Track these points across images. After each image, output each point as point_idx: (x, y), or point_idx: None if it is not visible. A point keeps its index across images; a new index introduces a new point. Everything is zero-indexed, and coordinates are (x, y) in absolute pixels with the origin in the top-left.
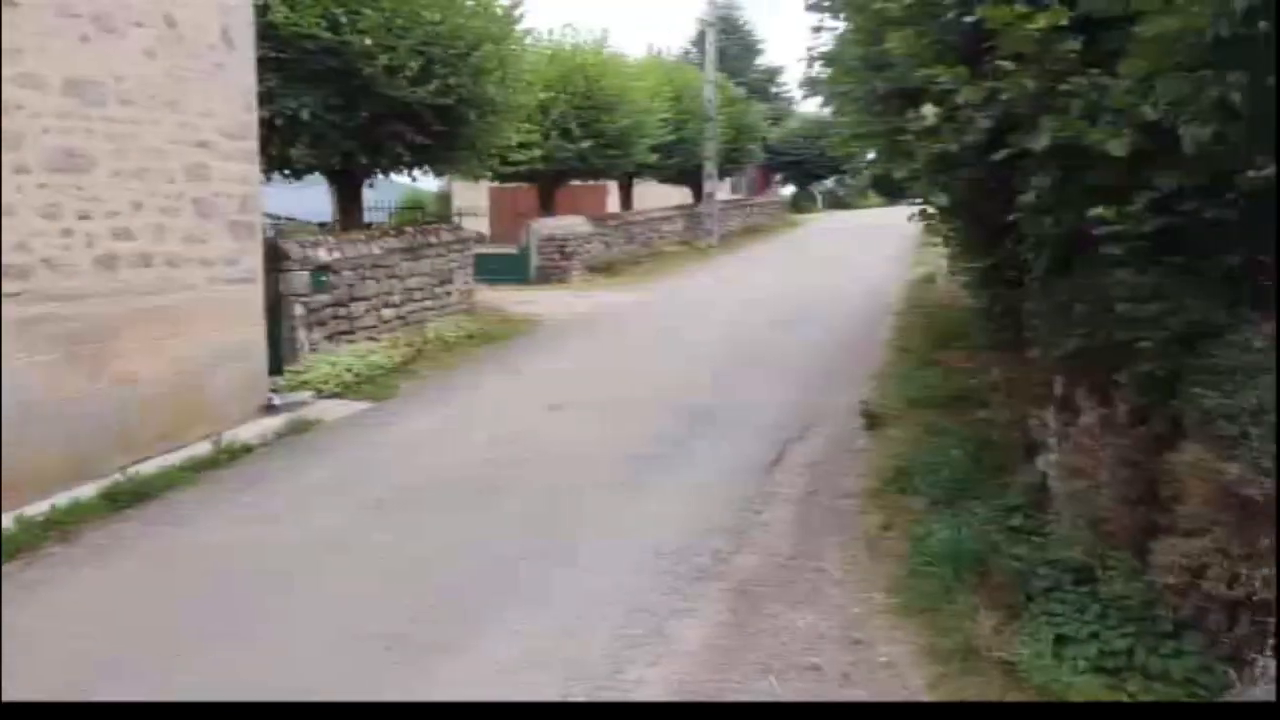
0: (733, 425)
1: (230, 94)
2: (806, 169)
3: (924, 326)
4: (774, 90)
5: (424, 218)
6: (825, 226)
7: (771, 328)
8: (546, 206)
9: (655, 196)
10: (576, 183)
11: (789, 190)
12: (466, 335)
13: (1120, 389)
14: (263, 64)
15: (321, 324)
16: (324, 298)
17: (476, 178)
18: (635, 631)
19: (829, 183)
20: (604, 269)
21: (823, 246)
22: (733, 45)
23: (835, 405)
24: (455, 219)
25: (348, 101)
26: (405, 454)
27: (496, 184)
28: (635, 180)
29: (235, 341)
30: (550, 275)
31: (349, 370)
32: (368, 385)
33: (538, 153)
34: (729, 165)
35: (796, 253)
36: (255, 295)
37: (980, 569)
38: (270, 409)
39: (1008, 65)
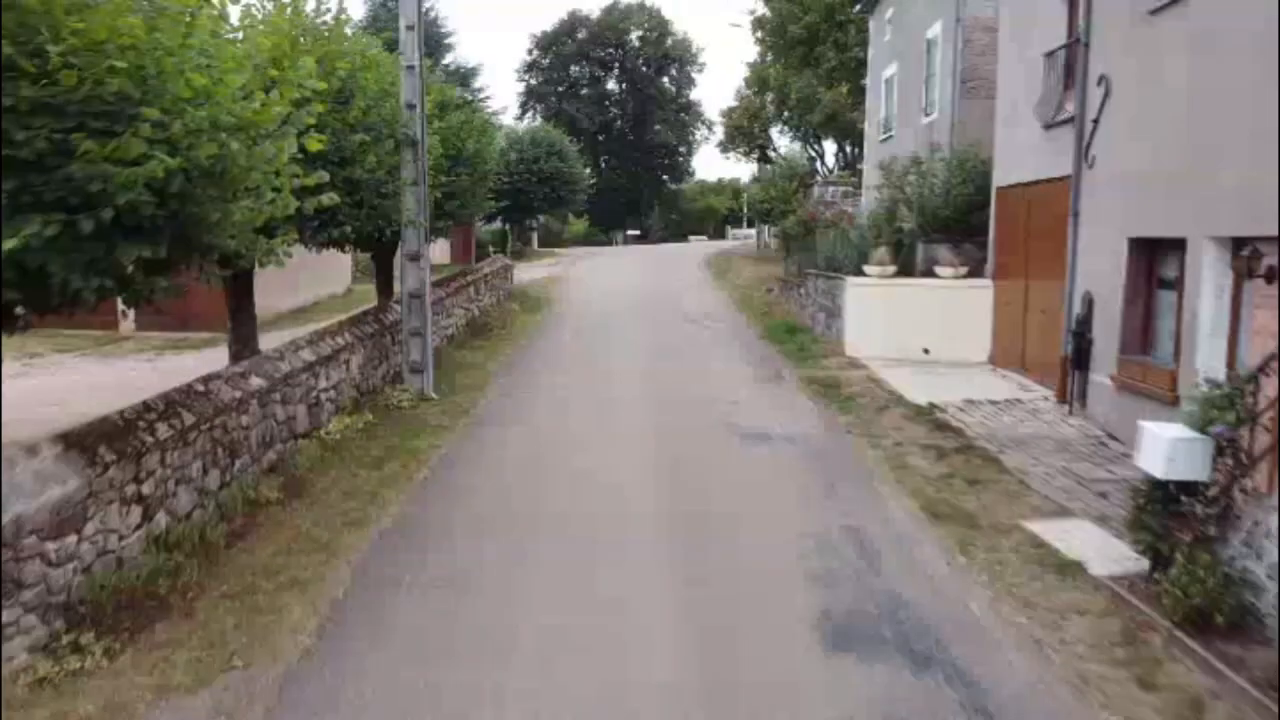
0: None
1: None
2: (523, 202)
3: None
4: (469, 97)
5: None
6: (590, 285)
7: None
8: None
9: (305, 279)
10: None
11: (495, 225)
12: None
13: None
14: None
15: None
16: None
17: None
18: None
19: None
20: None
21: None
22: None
23: None
24: None
25: None
26: None
27: None
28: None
29: None
30: None
31: None
32: None
33: None
34: (442, 221)
35: (610, 390)
36: None
37: None
38: None
39: None
